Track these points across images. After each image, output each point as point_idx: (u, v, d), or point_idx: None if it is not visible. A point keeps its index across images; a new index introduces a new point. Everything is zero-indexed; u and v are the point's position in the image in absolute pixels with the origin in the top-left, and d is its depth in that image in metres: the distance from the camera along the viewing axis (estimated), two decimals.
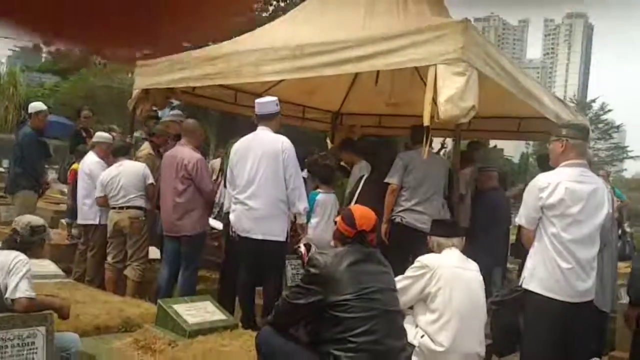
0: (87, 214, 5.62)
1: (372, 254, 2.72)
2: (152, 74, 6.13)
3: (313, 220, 5.18)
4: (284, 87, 7.09)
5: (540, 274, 3.23)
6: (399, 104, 7.28)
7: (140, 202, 5.29)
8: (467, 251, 5.82)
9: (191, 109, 16.35)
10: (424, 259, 3.23)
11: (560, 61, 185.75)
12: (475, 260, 5.60)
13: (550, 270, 3.19)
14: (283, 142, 4.20)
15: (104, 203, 5.39)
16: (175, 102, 7.73)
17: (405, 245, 4.60)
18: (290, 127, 9.47)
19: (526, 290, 3.27)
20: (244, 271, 4.29)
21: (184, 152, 4.81)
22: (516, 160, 43.63)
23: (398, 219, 4.95)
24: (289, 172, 4.15)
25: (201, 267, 5.75)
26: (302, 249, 4.85)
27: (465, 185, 6.28)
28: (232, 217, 4.30)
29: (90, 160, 5.74)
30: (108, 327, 3.97)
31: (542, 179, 3.29)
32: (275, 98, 4.47)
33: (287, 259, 4.69)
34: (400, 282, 3.20)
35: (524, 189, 3.68)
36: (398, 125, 7.86)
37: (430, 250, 3.40)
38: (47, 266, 4.93)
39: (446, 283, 3.11)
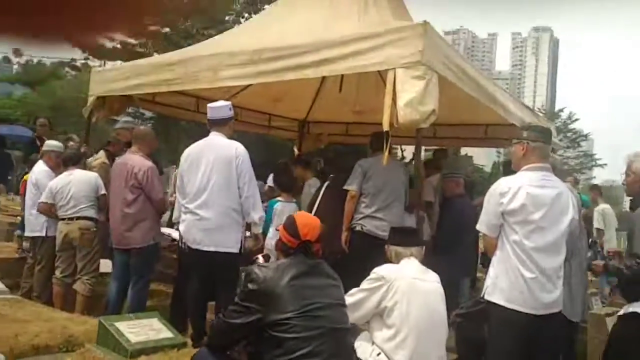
0: (34, 226, 5.33)
1: (318, 265, 2.52)
2: (107, 81, 5.93)
3: (271, 230, 4.99)
4: (248, 95, 6.98)
5: (503, 284, 3.07)
6: (365, 111, 7.17)
7: (91, 213, 5.04)
8: (435, 260, 5.69)
9: (163, 117, 16.06)
10: (379, 270, 3.04)
11: (528, 73, 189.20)
12: (442, 270, 5.44)
13: (513, 280, 3.04)
14: (237, 148, 4.01)
15: (47, 210, 5.08)
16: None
17: (366, 254, 4.43)
18: (258, 134, 9.32)
19: (489, 302, 3.12)
20: (194, 285, 4.06)
21: (134, 160, 4.57)
22: (488, 168, 43.94)
23: (358, 227, 4.80)
24: (243, 180, 3.95)
25: (157, 280, 5.51)
26: (261, 260, 4.64)
27: (433, 192, 6.16)
28: (181, 227, 4.08)
29: (38, 169, 5.47)
30: (48, 346, 3.69)
31: (502, 184, 3.15)
32: (228, 102, 4.28)
33: (243, 272, 4.47)
34: (354, 295, 3.02)
35: None
36: (364, 133, 7.72)
37: (388, 260, 3.23)
38: None
39: (403, 296, 2.93)
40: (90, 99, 5.99)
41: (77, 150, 5.63)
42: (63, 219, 5.01)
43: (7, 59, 35.41)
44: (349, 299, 3.05)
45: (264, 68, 4.57)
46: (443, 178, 5.78)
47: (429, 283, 3.11)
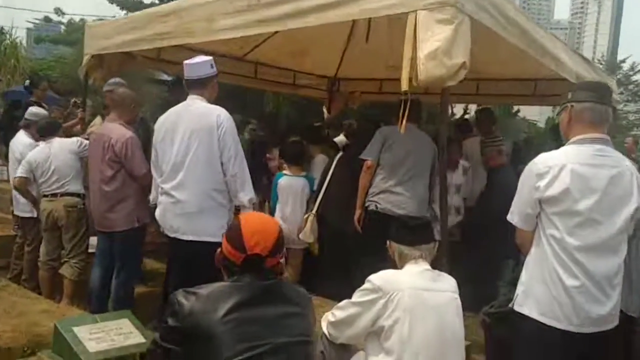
0: (23, 205, 4.82)
1: (271, 288, 1.80)
2: (102, 36, 5.29)
3: (277, 210, 4.35)
4: (268, 49, 6.25)
5: (538, 292, 2.34)
6: (399, 66, 6.34)
7: (77, 187, 4.49)
8: (473, 239, 4.91)
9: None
10: (376, 279, 2.32)
11: (589, 21, 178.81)
12: (481, 251, 4.62)
13: (551, 287, 2.30)
14: (219, 115, 3.32)
15: (22, 186, 4.53)
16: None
17: (382, 238, 3.74)
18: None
19: (519, 314, 2.40)
20: (175, 278, 3.45)
21: (112, 130, 3.94)
22: (541, 124, 41.37)
23: (372, 206, 4.09)
24: (227, 154, 3.28)
25: (155, 257, 4.94)
26: None
27: (468, 158, 5.36)
28: (157, 211, 3.46)
29: (21, 141, 4.91)
30: (9, 349, 3.21)
31: (540, 162, 2.36)
32: (209, 58, 3.56)
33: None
34: (345, 309, 2.35)
35: None
36: (399, 90, 6.94)
37: (390, 260, 2.50)
38: None
39: (405, 313, 2.22)
40: (85, 58, 5.41)
41: (51, 118, 5.03)
42: (46, 196, 4.48)
43: (48, 19, 35.21)
44: (338, 313, 2.39)
45: (262, 15, 3.82)
46: (482, 146, 4.92)
47: (441, 294, 2.36)
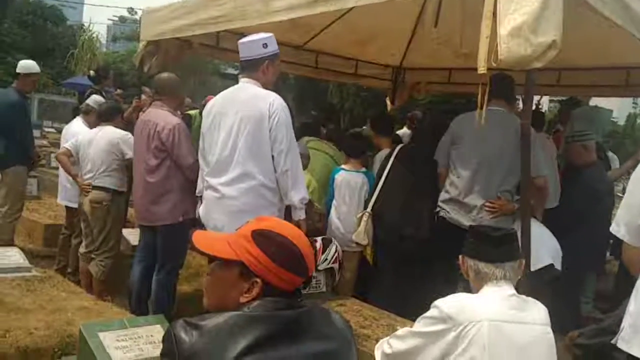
0: (70, 195, 4.70)
1: (301, 318, 1.29)
2: (157, 22, 5.05)
3: (333, 207, 3.97)
4: (329, 38, 5.91)
5: None
6: (472, 54, 5.81)
7: (108, 182, 4.25)
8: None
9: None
10: (444, 305, 1.86)
11: None
12: (563, 260, 4.06)
13: None
14: (272, 102, 2.96)
15: (63, 157, 4.39)
16: None
17: (453, 250, 3.27)
18: None
19: (626, 354, 1.89)
20: None
21: (158, 116, 3.68)
22: (621, 122, 38.50)
23: (442, 213, 3.55)
24: (279, 147, 2.93)
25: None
26: (318, 244, 3.67)
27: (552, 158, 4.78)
28: (201, 208, 3.17)
29: (76, 129, 4.75)
30: (39, 350, 2.98)
31: None
32: (263, 36, 3.14)
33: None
34: (404, 339, 1.92)
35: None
36: (472, 81, 6.37)
37: (462, 280, 2.04)
38: (10, 256, 4.02)
39: (483, 351, 1.76)
40: (141, 44, 5.20)
41: (115, 103, 4.82)
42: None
43: (123, 18, 37.10)
44: (396, 343, 1.95)
45: None
46: (566, 141, 4.33)
47: (530, 327, 1.87)
